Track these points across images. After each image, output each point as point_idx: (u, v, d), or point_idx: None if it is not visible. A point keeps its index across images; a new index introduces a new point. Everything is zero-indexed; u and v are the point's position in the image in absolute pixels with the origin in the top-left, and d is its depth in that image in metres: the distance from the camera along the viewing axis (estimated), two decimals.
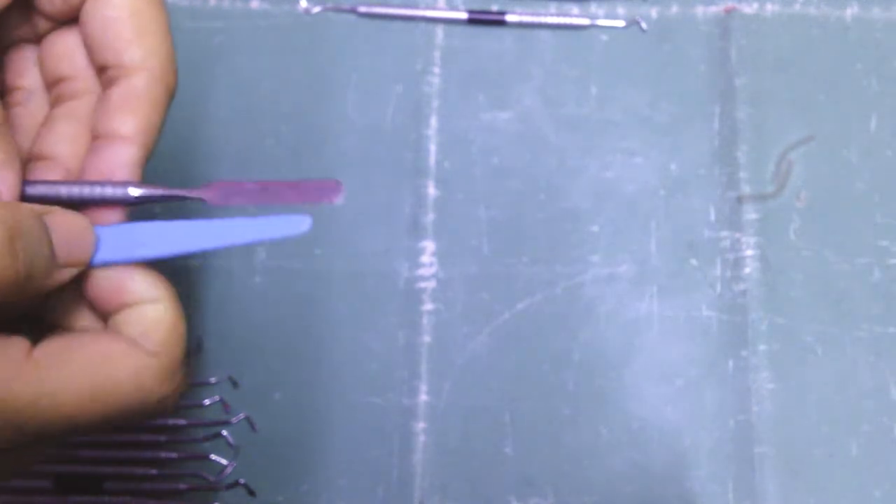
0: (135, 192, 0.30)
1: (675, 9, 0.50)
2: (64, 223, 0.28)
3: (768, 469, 0.44)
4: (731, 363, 0.45)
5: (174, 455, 0.44)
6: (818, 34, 0.49)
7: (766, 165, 0.48)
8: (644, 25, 0.50)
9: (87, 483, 0.44)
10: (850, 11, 0.50)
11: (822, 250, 0.47)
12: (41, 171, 0.31)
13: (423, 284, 0.47)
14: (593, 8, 0.50)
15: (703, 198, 0.47)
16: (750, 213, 0.47)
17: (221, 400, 0.45)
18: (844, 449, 0.44)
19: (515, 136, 0.48)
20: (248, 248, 0.47)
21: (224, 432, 0.45)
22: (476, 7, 0.50)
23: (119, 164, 0.30)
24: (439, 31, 0.50)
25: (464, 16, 0.50)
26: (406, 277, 0.47)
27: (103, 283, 0.29)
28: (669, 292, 0.46)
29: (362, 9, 0.50)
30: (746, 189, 0.47)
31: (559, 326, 0.46)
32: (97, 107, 0.31)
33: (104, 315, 0.30)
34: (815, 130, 0.48)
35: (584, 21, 0.50)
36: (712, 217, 0.47)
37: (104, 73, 0.31)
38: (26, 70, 0.33)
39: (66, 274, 0.28)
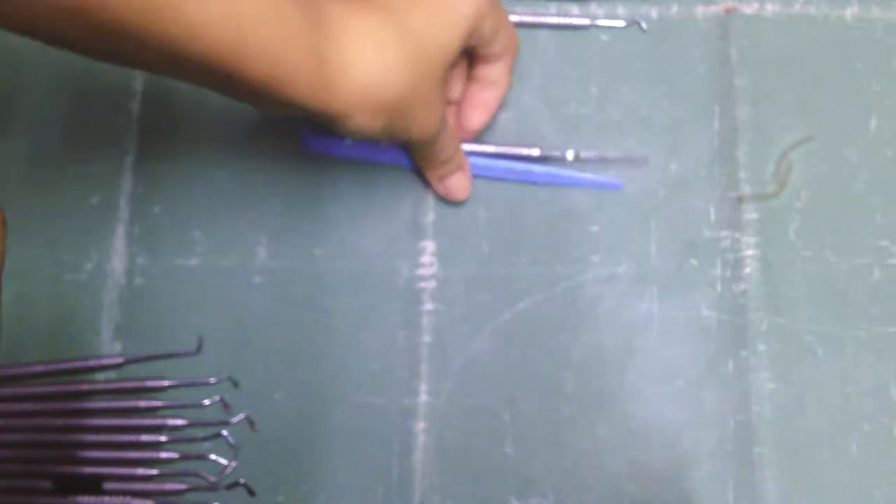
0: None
1: (675, 9, 0.50)
2: None
3: (768, 469, 0.44)
4: (731, 363, 0.45)
5: (174, 455, 0.44)
6: (818, 34, 0.49)
7: (766, 165, 0.48)
8: (644, 25, 0.50)
9: (87, 483, 0.44)
10: (850, 11, 0.50)
11: (822, 250, 0.47)
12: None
13: (423, 284, 0.47)
14: (593, 8, 0.50)
15: (703, 198, 0.47)
16: (750, 213, 0.47)
17: (221, 400, 0.45)
18: (844, 449, 0.44)
19: (515, 136, 0.48)
20: (247, 248, 0.47)
21: (224, 432, 0.45)
22: None
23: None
24: None
25: None
26: (406, 277, 0.47)
27: None
28: (669, 292, 0.46)
29: None
30: (746, 189, 0.47)
31: (559, 326, 0.46)
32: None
33: None
34: (815, 130, 0.48)
35: (584, 21, 0.50)
36: (712, 217, 0.47)
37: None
38: (454, 85, 0.46)
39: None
